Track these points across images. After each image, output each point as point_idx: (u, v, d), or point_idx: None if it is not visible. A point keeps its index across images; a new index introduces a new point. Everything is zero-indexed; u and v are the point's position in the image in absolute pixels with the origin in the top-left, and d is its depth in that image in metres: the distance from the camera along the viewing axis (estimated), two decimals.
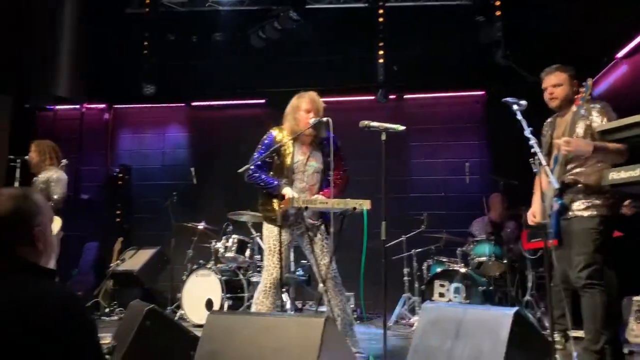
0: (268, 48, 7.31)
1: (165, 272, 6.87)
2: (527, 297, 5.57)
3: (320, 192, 3.81)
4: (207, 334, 2.77)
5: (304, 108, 3.76)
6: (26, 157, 5.37)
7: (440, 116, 7.61)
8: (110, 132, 8.32)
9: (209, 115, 8.28)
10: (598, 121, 3.27)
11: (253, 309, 3.81)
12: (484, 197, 6.44)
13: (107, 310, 6.49)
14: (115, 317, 6.21)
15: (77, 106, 8.30)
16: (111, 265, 6.82)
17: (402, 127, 3.22)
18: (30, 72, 6.82)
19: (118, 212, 8.01)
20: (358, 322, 5.78)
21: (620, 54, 6.01)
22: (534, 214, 3.62)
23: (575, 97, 3.28)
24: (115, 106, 8.39)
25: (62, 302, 1.46)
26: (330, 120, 3.67)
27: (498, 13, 6.44)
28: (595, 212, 3.24)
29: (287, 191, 3.65)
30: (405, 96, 7.74)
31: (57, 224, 4.99)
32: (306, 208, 3.51)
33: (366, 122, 3.28)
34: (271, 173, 3.83)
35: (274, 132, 3.87)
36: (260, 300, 3.74)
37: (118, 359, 2.98)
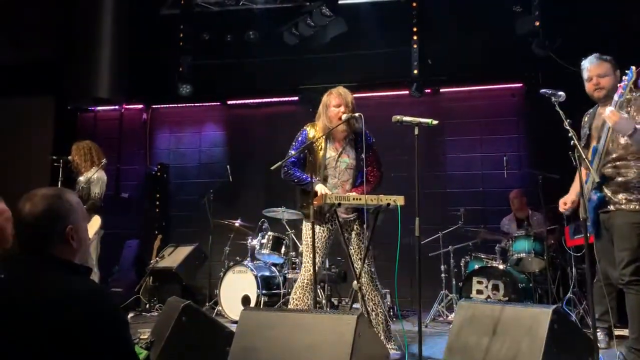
0: (301, 45, 7.31)
1: (203, 269, 6.98)
2: (569, 295, 5.42)
3: (353, 189, 3.80)
4: (241, 330, 2.80)
5: (333, 104, 3.77)
6: (68, 157, 5.54)
7: (477, 110, 7.46)
8: (148, 131, 8.47)
9: (244, 114, 8.34)
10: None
11: (291, 303, 3.84)
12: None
13: (147, 306, 6.62)
14: (155, 313, 6.32)
15: (117, 107, 8.48)
16: (151, 262, 6.95)
17: (435, 122, 3.17)
18: (72, 75, 7.02)
19: (157, 209, 8.17)
20: (394, 319, 5.73)
21: None
22: (564, 202, 3.52)
23: (618, 85, 3.16)
24: (153, 106, 8.53)
25: (92, 299, 1.48)
26: (362, 115, 3.66)
27: (535, 2, 6.26)
28: (638, 206, 3.12)
29: (320, 188, 3.65)
30: (441, 90, 7.61)
31: (97, 222, 5.13)
32: (339, 204, 3.51)
33: (399, 117, 3.24)
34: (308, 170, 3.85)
35: (307, 129, 3.91)
36: (297, 296, 3.79)
37: (155, 354, 3.04)
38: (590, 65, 3.42)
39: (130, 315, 6.23)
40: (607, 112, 3.08)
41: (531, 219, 6.19)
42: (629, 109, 3.21)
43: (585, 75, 3.44)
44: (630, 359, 3.12)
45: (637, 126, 3.06)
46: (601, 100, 3.42)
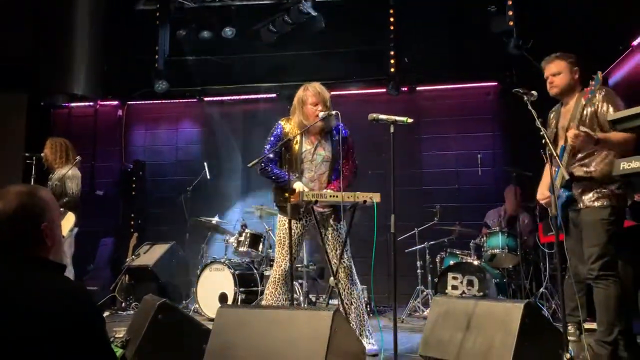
0: (279, 42, 7.31)
1: (180, 267, 6.94)
2: (542, 290, 5.53)
3: (329, 185, 3.82)
4: (218, 327, 2.81)
5: (310, 102, 3.76)
6: (41, 154, 5.44)
7: (453, 108, 7.56)
8: (124, 128, 8.39)
9: (221, 110, 8.30)
10: (604, 108, 3.23)
11: (264, 300, 3.84)
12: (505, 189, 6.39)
13: (123, 304, 6.56)
14: (132, 312, 6.28)
15: (91, 103, 8.39)
16: (127, 260, 6.89)
17: (410, 120, 3.20)
18: (46, 70, 6.91)
19: (133, 207, 8.09)
20: (370, 314, 5.78)
21: (636, 42, 5.90)
22: (542, 192, 3.59)
23: (585, 89, 3.22)
24: (129, 103, 8.44)
25: (71, 297, 1.47)
26: (338, 113, 3.69)
27: (510, 2, 6.36)
28: (606, 202, 3.19)
29: (298, 185, 3.66)
30: (417, 88, 7.69)
31: (71, 220, 5.06)
32: (316, 202, 3.52)
33: (374, 115, 3.26)
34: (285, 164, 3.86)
35: (282, 123, 3.90)
36: (270, 292, 3.79)
37: (131, 352, 3.03)
38: (545, 65, 3.51)
39: (106, 313, 6.17)
40: (569, 136, 3.17)
41: (519, 222, 6.13)
42: (594, 105, 3.28)
43: (544, 74, 3.54)
44: (598, 351, 3.20)
45: (599, 136, 3.15)
46: (558, 97, 3.51)
